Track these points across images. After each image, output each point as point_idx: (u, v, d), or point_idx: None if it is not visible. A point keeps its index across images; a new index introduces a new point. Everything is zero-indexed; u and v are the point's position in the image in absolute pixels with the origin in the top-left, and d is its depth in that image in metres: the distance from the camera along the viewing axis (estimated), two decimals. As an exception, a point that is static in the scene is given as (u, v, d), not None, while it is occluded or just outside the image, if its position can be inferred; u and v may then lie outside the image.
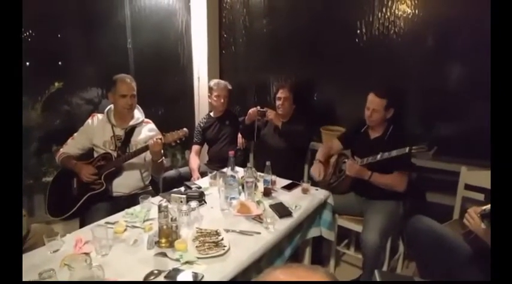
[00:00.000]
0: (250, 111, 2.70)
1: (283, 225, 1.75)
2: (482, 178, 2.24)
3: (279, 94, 2.69)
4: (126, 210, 1.83)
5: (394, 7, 2.70)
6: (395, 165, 2.14)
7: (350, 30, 2.89)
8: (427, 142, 1.83)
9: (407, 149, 1.88)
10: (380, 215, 2.15)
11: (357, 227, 2.26)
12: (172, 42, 3.53)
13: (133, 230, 1.66)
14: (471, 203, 2.01)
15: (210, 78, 3.31)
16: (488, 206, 1.38)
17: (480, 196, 2.22)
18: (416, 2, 2.61)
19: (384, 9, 2.73)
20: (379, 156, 2.04)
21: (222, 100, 2.82)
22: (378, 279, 1.27)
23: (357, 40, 2.87)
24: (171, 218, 1.58)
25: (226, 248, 1.51)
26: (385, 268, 2.24)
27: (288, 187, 2.21)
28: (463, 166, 2.35)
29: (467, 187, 2.30)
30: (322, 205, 2.13)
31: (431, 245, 1.74)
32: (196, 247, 1.52)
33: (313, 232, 2.07)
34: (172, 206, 1.72)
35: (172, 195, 1.88)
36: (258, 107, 2.68)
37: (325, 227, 2.12)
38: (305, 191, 2.13)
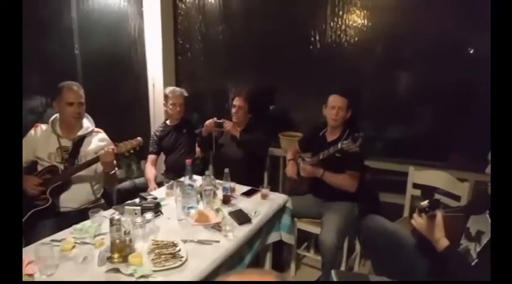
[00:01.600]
0: (207, 122, 2.67)
1: (242, 232, 1.74)
2: (428, 176, 2.39)
3: (234, 102, 2.70)
4: (74, 226, 1.72)
5: (345, 17, 2.81)
6: (348, 166, 2.22)
7: (305, 38, 2.98)
8: (360, 134, 1.92)
9: (339, 145, 1.99)
10: (337, 217, 2.21)
11: (315, 230, 2.31)
12: (124, 47, 3.41)
13: (83, 247, 1.56)
14: (419, 201, 2.13)
15: (165, 85, 3.24)
16: (426, 202, 1.46)
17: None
18: (365, 12, 2.75)
19: (335, 19, 2.84)
20: (321, 155, 2.10)
21: (178, 108, 2.76)
22: (334, 279, 1.29)
23: (311, 47, 2.95)
24: (125, 232, 1.51)
25: (183, 259, 1.46)
26: (343, 268, 2.29)
27: (248, 194, 2.20)
28: (411, 166, 2.49)
29: (415, 185, 2.44)
30: (281, 210, 2.14)
31: (384, 243, 1.81)
32: (152, 260, 1.46)
33: (273, 237, 2.08)
34: (126, 219, 1.65)
35: (126, 207, 1.80)
36: (215, 118, 2.66)
37: (285, 232, 2.13)
38: (264, 196, 2.14)
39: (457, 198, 2.22)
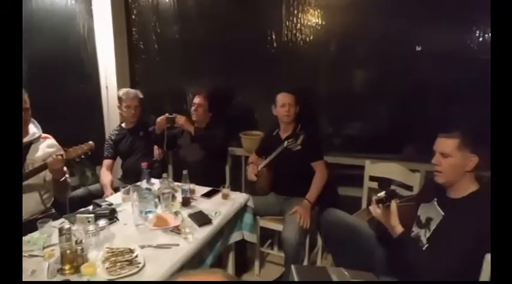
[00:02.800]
0: (159, 119, 2.60)
1: (202, 233, 1.71)
2: (383, 169, 2.49)
3: (194, 100, 2.67)
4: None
5: (300, 16, 2.86)
6: (309, 157, 2.26)
7: (262, 37, 2.99)
8: (301, 132, 2.01)
9: (285, 143, 2.08)
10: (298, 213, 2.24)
11: (278, 227, 2.32)
12: (72, 48, 3.24)
13: (31, 260, 1.46)
14: (376, 192, 2.22)
15: (119, 86, 3.12)
16: (382, 193, 1.52)
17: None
18: (320, 11, 2.81)
19: (291, 18, 2.87)
20: (273, 155, 2.13)
21: (133, 111, 2.66)
22: (294, 274, 1.31)
23: (268, 46, 2.98)
24: (76, 241, 1.44)
25: (140, 265, 1.41)
26: (305, 263, 2.33)
27: (208, 195, 2.17)
28: (367, 160, 2.58)
29: (372, 178, 2.53)
30: (243, 209, 2.14)
31: (343, 235, 1.86)
32: (107, 268, 1.40)
33: (235, 237, 2.07)
34: (78, 227, 1.56)
35: (78, 215, 1.71)
36: (167, 114, 2.59)
37: (247, 230, 2.13)
38: (225, 197, 2.12)
39: (409, 188, 2.32)
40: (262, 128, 3.05)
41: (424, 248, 1.55)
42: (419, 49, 2.77)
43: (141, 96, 2.72)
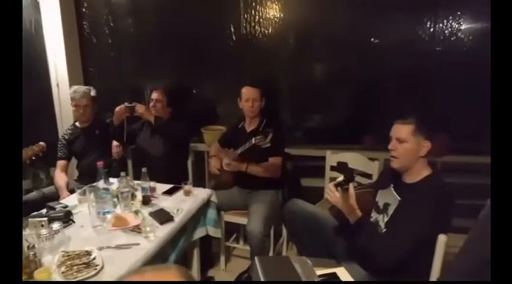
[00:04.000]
0: (117, 108, 2.46)
1: (164, 231, 1.68)
2: (343, 158, 2.55)
3: (152, 96, 2.59)
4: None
5: (258, 9, 2.85)
6: (269, 153, 2.27)
7: (220, 30, 2.96)
8: (270, 130, 1.98)
9: (253, 140, 2.03)
10: (262, 205, 2.25)
11: (243, 221, 2.32)
12: (18, 44, 3.02)
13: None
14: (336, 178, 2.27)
15: (72, 84, 2.95)
16: (341, 177, 1.56)
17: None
18: (277, 4, 2.82)
19: (249, 11, 2.86)
20: (239, 150, 2.12)
21: (82, 111, 2.50)
22: (257, 265, 1.30)
23: (227, 39, 2.95)
24: (28, 246, 1.36)
25: (99, 267, 1.36)
26: (271, 254, 2.36)
27: (169, 192, 2.12)
28: (328, 150, 2.63)
29: (333, 168, 2.59)
30: (206, 205, 2.11)
31: (305, 224, 1.90)
32: (63, 272, 1.33)
33: (199, 233, 2.04)
34: (30, 232, 1.48)
35: (30, 219, 1.60)
36: (126, 103, 2.48)
37: (211, 226, 2.11)
38: (187, 193, 2.08)
39: (369, 176, 2.41)
40: (224, 123, 3.03)
41: (382, 232, 1.61)
42: (376, 41, 2.87)
43: (93, 93, 2.58)
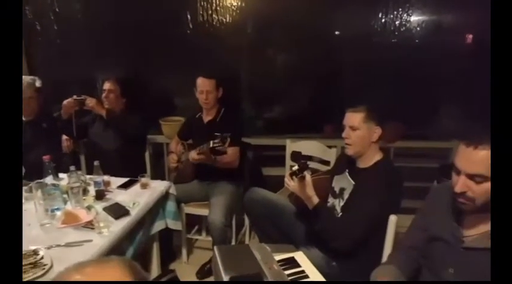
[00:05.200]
0: (65, 102, 2.31)
1: (119, 226, 1.61)
2: (303, 147, 2.60)
3: (104, 87, 2.46)
4: None
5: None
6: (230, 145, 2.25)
7: (176, 18, 2.86)
8: (227, 134, 1.94)
9: (211, 143, 1.96)
10: (223, 196, 2.24)
11: (205, 212, 2.29)
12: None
13: None
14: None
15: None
16: (295, 167, 1.59)
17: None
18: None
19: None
20: (204, 146, 2.07)
21: (25, 103, 2.33)
22: (216, 255, 1.30)
23: (184, 27, 2.86)
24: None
25: (47, 266, 1.29)
26: (234, 243, 2.36)
27: (125, 186, 2.04)
28: (288, 139, 2.66)
29: (292, 156, 2.63)
30: (165, 197, 2.06)
31: (265, 212, 1.92)
32: (6, 276, 1.24)
33: (158, 226, 1.99)
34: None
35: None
36: (74, 96, 2.34)
37: (171, 219, 2.06)
38: (144, 186, 2.01)
39: (327, 163, 2.47)
40: (183, 113, 2.96)
41: (338, 216, 1.66)
42: (335, 32, 2.92)
43: (38, 84, 2.40)
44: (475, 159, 1.00)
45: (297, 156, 2.50)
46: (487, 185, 0.99)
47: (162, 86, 3.17)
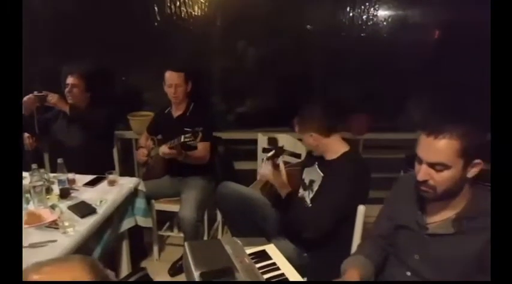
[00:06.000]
0: (25, 98, 2.19)
1: (85, 225, 1.56)
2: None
3: (67, 81, 2.35)
4: None
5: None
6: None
7: (143, 10, 2.78)
8: (199, 129, 1.92)
9: (182, 138, 1.93)
10: (194, 191, 2.22)
11: (175, 208, 2.26)
12: None
13: None
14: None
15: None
16: (272, 151, 1.60)
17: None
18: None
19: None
20: (175, 140, 2.03)
21: None
22: (187, 251, 1.28)
23: (151, 20, 2.78)
24: None
25: (6, 270, 1.22)
26: (206, 239, 2.34)
27: (92, 183, 1.98)
28: (259, 133, 2.66)
29: (264, 150, 2.63)
30: (134, 194, 2.01)
31: (237, 206, 1.91)
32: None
33: (127, 224, 1.94)
34: None
35: None
36: (35, 92, 2.23)
37: (140, 216, 2.02)
38: (112, 183, 1.95)
39: (298, 156, 2.49)
40: (152, 108, 2.89)
41: (308, 207, 1.68)
42: (305, 26, 2.94)
43: None
44: (435, 148, 1.03)
45: (273, 142, 2.51)
46: (447, 173, 1.04)
47: (130, 80, 3.08)
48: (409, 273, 1.18)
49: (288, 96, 3.09)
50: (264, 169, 1.64)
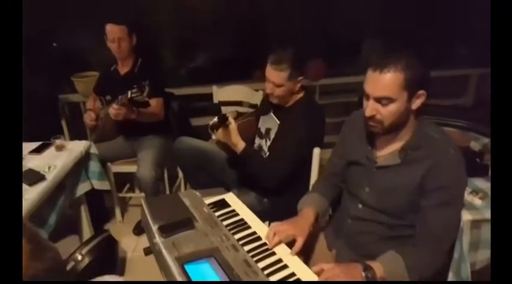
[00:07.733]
0: None
1: (35, 192, 1.48)
2: (230, 92, 2.55)
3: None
4: None
5: None
6: (148, 96, 2.11)
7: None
8: (146, 83, 1.82)
9: (129, 94, 1.82)
10: (151, 150, 2.16)
11: (133, 169, 2.20)
12: None
13: None
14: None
15: None
16: (215, 118, 1.58)
17: (234, 108, 2.54)
18: None
19: None
20: (122, 98, 1.91)
21: None
22: (145, 207, 1.27)
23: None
24: None
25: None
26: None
27: (38, 150, 1.85)
28: (214, 86, 2.59)
29: (222, 103, 2.58)
30: (87, 158, 1.92)
31: (194, 160, 1.90)
32: None
33: (82, 188, 1.87)
34: None
35: None
36: None
37: (96, 179, 1.95)
38: (60, 148, 1.84)
39: (255, 106, 2.46)
40: (97, 67, 2.69)
41: (265, 157, 1.69)
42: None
43: None
44: (381, 82, 1.04)
45: (215, 109, 2.47)
46: (393, 107, 1.06)
47: (69, 40, 2.82)
48: (360, 205, 1.25)
49: (243, 48, 3.00)
50: (212, 135, 1.64)
